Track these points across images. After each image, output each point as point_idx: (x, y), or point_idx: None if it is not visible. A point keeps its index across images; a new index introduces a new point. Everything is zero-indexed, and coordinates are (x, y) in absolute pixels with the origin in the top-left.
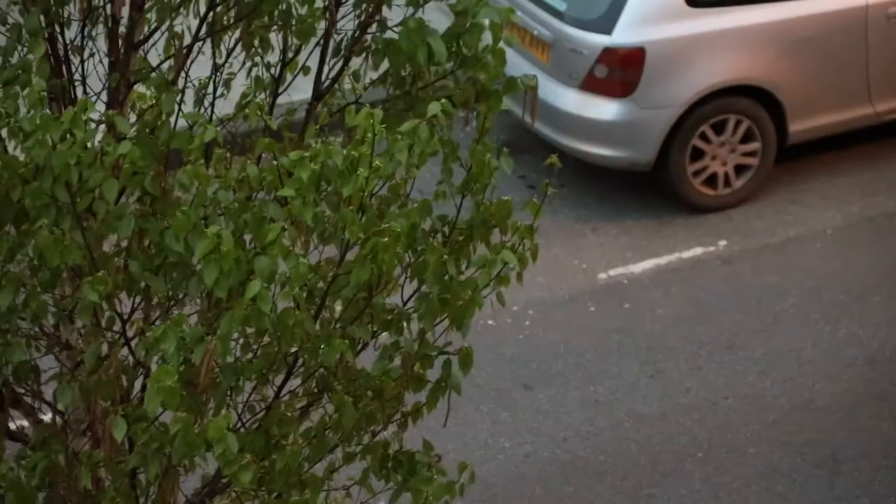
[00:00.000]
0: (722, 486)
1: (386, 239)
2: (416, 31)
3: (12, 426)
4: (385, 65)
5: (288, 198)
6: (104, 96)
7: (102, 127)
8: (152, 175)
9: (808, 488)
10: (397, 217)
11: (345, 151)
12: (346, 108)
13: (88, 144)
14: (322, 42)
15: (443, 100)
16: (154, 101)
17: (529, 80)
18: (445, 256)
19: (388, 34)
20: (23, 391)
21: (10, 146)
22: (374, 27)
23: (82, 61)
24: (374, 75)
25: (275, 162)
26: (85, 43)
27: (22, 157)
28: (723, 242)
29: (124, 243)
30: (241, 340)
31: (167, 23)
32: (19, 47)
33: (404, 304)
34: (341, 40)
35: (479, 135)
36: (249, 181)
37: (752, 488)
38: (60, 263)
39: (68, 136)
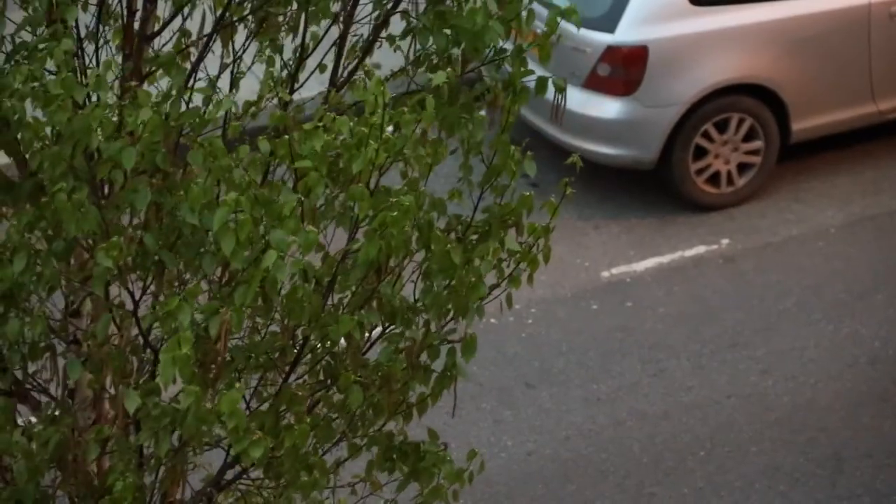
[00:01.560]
0: (724, 485)
1: (395, 213)
2: (480, 9)
3: (20, 421)
4: (394, 57)
5: (299, 171)
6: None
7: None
8: (164, 152)
9: (811, 487)
10: (405, 195)
11: (352, 123)
12: (352, 84)
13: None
14: (339, 36)
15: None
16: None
17: (559, 81)
18: (450, 245)
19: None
20: (30, 387)
21: (37, 112)
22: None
23: (97, 49)
24: (384, 71)
25: (286, 136)
26: (101, 31)
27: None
28: (725, 241)
29: (140, 218)
30: (250, 327)
31: (182, 10)
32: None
33: (416, 301)
34: (356, 42)
35: (503, 128)
36: (263, 157)
37: (755, 487)
38: (77, 232)
39: (90, 100)
